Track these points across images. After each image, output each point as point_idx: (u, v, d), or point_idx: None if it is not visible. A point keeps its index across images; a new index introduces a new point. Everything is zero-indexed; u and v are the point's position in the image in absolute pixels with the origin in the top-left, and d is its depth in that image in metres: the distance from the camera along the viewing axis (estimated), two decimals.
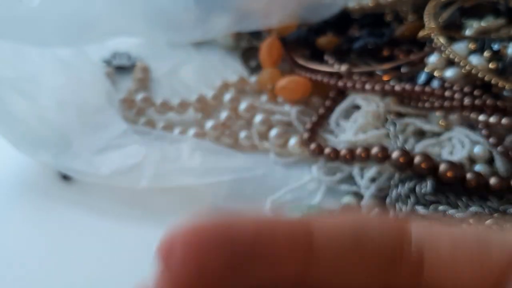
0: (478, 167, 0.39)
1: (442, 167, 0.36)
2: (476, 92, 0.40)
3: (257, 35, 0.51)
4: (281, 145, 0.43)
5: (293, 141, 0.43)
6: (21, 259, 0.36)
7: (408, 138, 0.41)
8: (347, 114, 0.44)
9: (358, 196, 0.39)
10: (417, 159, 0.37)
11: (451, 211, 0.35)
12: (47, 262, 0.36)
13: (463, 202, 0.36)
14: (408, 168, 0.37)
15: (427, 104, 0.42)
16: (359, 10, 0.49)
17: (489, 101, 0.39)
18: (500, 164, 0.38)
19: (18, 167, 0.42)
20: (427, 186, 0.36)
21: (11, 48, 0.41)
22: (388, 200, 0.37)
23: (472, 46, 0.42)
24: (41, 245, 0.37)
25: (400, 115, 0.43)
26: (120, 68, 0.51)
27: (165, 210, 0.39)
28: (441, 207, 0.35)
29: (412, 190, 0.37)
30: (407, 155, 0.37)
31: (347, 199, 0.38)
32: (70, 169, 0.38)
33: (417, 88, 0.41)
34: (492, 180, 0.36)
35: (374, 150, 0.38)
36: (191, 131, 0.44)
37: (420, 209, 0.36)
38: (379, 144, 0.40)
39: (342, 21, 0.49)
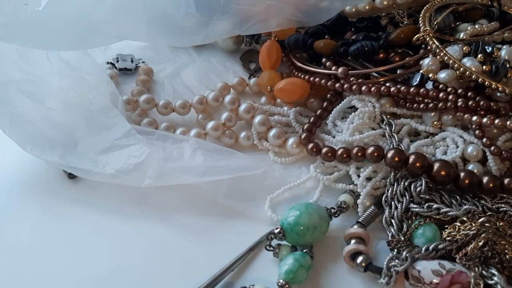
0: (472, 167, 0.39)
1: (436, 166, 0.37)
2: (469, 94, 0.41)
3: (256, 39, 0.52)
4: (280, 145, 0.44)
5: (291, 141, 0.44)
6: (27, 254, 0.37)
7: (403, 138, 0.42)
8: (344, 115, 0.45)
9: (355, 194, 0.40)
10: (411, 159, 0.37)
11: (444, 209, 0.36)
12: (53, 257, 0.37)
13: (457, 200, 0.36)
14: (403, 167, 0.38)
15: (422, 105, 0.42)
16: (355, 13, 0.49)
17: (482, 103, 0.40)
18: (493, 163, 0.39)
19: (25, 166, 0.43)
20: (422, 185, 0.37)
21: (18, 51, 0.42)
22: (384, 198, 0.38)
23: (466, 49, 0.42)
24: (47, 241, 0.38)
25: (395, 116, 0.44)
26: (124, 70, 0.52)
27: (167, 208, 0.40)
28: (435, 206, 0.36)
29: (407, 188, 0.37)
30: (402, 155, 0.38)
31: (344, 197, 0.39)
32: (76, 168, 0.39)
33: (412, 90, 0.42)
34: (485, 179, 0.37)
35: (370, 150, 0.39)
36: (193, 132, 0.45)
37: (414, 207, 0.36)
38: (375, 143, 0.41)
39: (339, 24, 0.49)
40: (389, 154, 0.38)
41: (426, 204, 0.36)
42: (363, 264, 0.34)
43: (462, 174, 0.37)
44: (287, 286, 0.34)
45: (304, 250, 0.36)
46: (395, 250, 0.35)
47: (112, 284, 0.35)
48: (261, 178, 0.41)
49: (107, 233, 0.38)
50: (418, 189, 0.37)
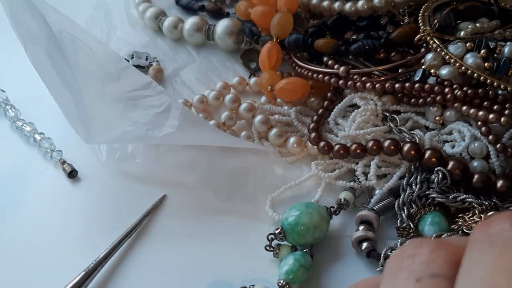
0: (477, 164, 0.39)
1: (451, 164, 0.37)
2: (472, 91, 0.40)
3: (256, 39, 0.52)
4: (280, 145, 0.44)
5: (292, 141, 0.43)
6: (26, 255, 0.37)
7: (413, 132, 0.42)
8: (344, 114, 0.45)
9: (355, 191, 0.40)
10: (427, 153, 0.38)
11: (473, 201, 0.36)
12: (52, 257, 0.37)
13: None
14: (419, 160, 0.38)
15: (428, 100, 0.42)
16: (354, 12, 0.49)
17: (481, 90, 0.40)
18: (495, 159, 0.39)
19: (24, 166, 0.43)
20: (439, 176, 0.37)
21: None
22: (401, 186, 0.38)
23: (469, 45, 0.42)
24: (46, 241, 0.38)
25: (396, 114, 0.43)
26: (137, 67, 0.51)
27: (167, 207, 0.40)
28: (462, 196, 0.36)
29: (424, 180, 0.38)
30: (418, 147, 0.38)
31: (344, 195, 0.39)
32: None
33: (417, 86, 0.41)
34: (500, 183, 0.36)
35: (387, 143, 0.39)
36: None
37: (436, 196, 0.37)
38: (391, 138, 0.41)
39: (340, 24, 0.49)
40: (406, 147, 0.38)
41: (453, 195, 0.36)
42: (366, 250, 0.35)
43: (476, 176, 0.37)
44: (287, 286, 0.33)
45: (305, 250, 0.36)
46: (403, 237, 0.35)
47: (111, 284, 0.35)
48: (262, 177, 0.41)
49: (107, 233, 0.38)
50: (438, 179, 0.37)
